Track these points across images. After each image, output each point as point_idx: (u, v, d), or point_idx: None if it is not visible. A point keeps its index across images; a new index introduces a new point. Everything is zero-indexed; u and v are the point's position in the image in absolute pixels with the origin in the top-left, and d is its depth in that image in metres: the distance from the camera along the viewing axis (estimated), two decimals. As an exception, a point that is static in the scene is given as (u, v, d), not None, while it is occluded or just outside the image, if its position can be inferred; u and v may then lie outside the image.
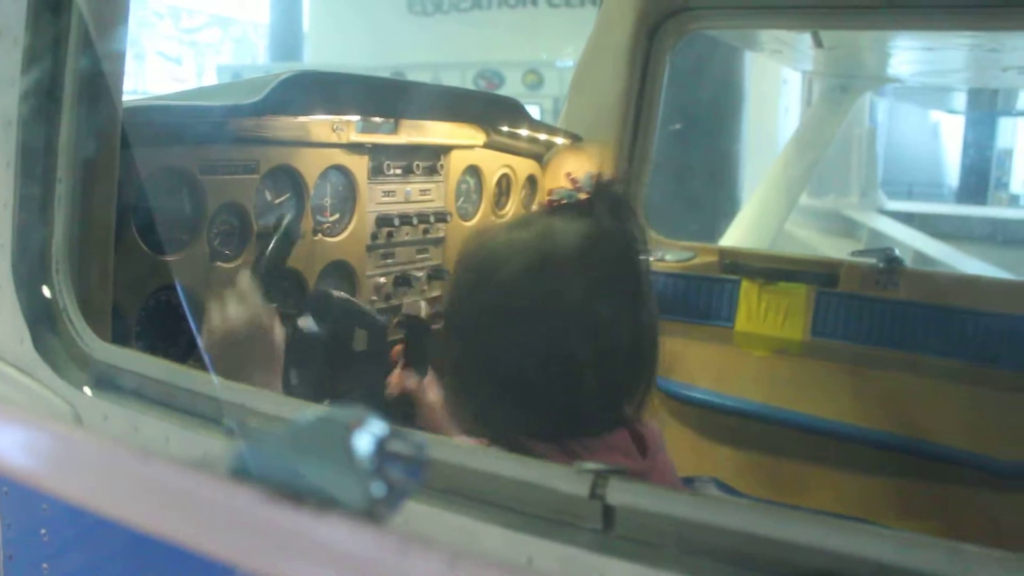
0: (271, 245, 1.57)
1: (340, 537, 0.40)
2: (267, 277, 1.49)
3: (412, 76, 11.17)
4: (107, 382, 1.01)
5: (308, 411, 0.46)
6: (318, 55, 13.78)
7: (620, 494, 0.71)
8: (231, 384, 0.90)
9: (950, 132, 18.43)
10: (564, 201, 1.23)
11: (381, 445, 0.43)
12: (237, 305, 1.41)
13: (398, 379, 1.75)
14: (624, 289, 1.19)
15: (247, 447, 0.44)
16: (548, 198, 1.24)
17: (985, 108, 14.50)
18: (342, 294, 1.66)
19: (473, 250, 1.22)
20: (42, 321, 1.05)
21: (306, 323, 1.57)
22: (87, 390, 1.01)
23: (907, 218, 10.12)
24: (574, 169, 2.53)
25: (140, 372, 0.99)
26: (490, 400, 1.16)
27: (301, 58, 13.99)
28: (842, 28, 2.52)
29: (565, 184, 1.27)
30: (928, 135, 18.32)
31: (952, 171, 18.37)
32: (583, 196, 1.23)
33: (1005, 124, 17.85)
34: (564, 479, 0.72)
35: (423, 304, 1.98)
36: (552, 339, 1.13)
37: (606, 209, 1.20)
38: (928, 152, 18.10)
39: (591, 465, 0.72)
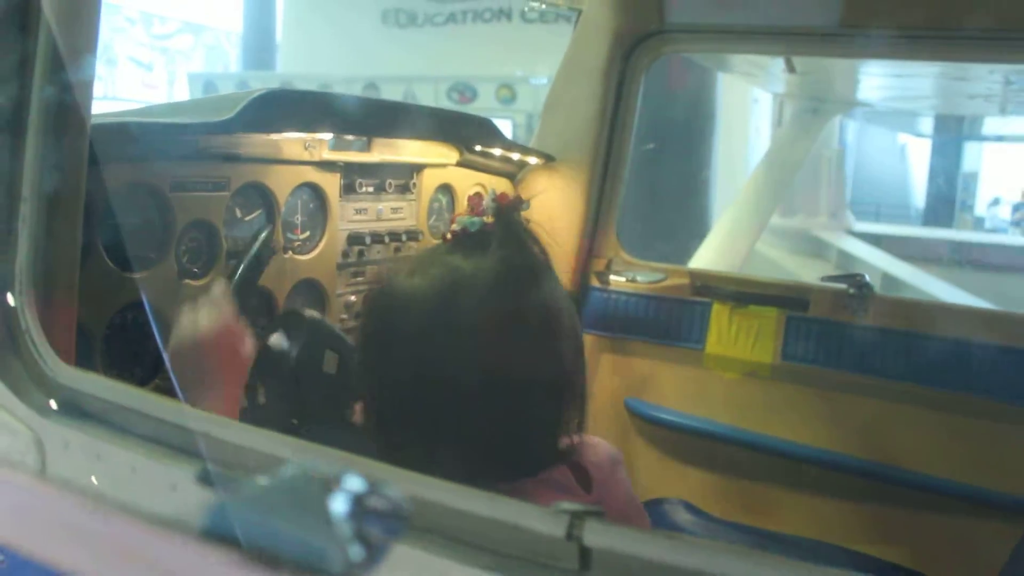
0: (243, 263, 1.54)
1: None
2: (237, 295, 1.45)
3: (385, 88, 11.17)
4: (70, 407, 0.98)
5: (285, 463, 0.44)
6: (291, 65, 13.73)
7: (597, 536, 0.69)
8: (201, 413, 0.87)
9: (917, 155, 18.71)
10: (463, 229, 1.16)
11: (360, 502, 0.41)
12: (207, 311, 1.37)
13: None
14: (536, 322, 1.13)
15: (220, 505, 0.42)
16: (452, 227, 1.18)
17: (951, 132, 14.73)
18: (314, 314, 1.63)
19: (376, 300, 1.16)
20: (3, 343, 1.02)
21: (277, 340, 1.53)
22: (49, 415, 0.98)
23: (875, 240, 10.23)
24: (548, 187, 2.54)
25: (105, 398, 0.96)
26: (412, 455, 1.09)
27: (274, 67, 13.94)
28: (814, 55, 2.54)
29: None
30: (895, 157, 18.58)
31: (918, 193, 18.64)
32: (488, 220, 1.16)
33: (970, 148, 18.15)
34: (539, 519, 0.70)
35: None
36: (464, 389, 1.08)
37: (509, 237, 1.14)
38: (895, 174, 18.35)
39: (568, 505, 0.71)
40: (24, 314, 1.03)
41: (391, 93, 11.28)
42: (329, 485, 0.41)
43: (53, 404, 0.99)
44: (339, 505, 0.40)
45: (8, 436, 0.98)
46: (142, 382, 1.51)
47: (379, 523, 0.42)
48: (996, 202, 18.57)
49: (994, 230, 17.32)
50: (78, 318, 1.18)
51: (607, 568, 0.69)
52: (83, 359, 1.23)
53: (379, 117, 1.94)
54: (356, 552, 0.40)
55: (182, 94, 15.44)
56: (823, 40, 2.26)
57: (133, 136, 1.38)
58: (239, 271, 1.55)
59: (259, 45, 14.28)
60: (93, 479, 0.90)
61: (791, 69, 2.74)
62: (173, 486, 0.84)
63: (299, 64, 13.46)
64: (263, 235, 1.59)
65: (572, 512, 0.70)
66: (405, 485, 0.71)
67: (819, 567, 0.68)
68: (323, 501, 0.40)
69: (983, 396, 2.09)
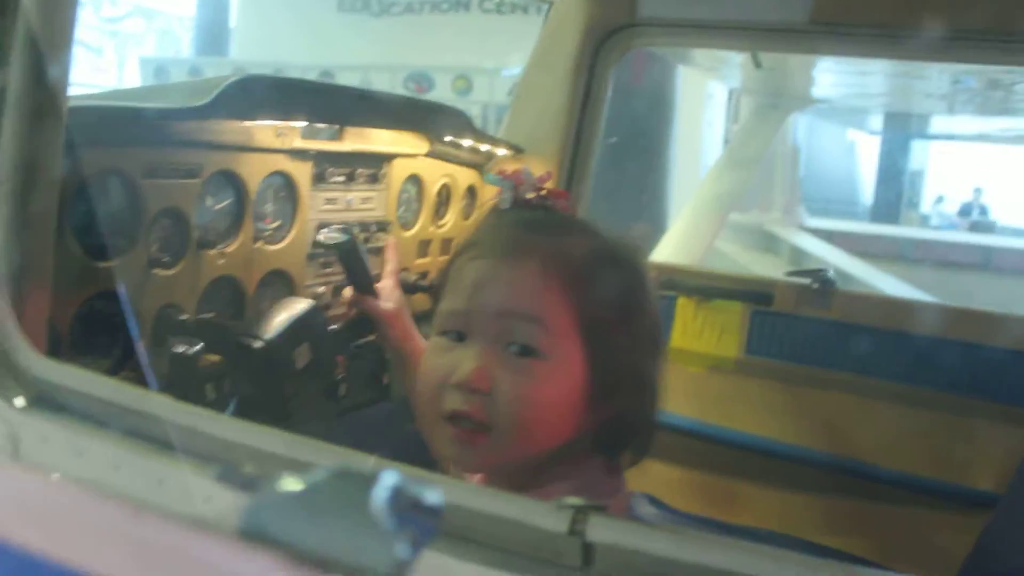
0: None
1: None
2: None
3: (341, 76, 11.07)
4: (46, 401, 0.95)
5: (321, 464, 0.43)
6: (245, 51, 13.53)
7: (600, 531, 0.69)
8: (186, 407, 0.86)
9: (866, 152, 19.03)
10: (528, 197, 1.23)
11: (398, 497, 0.40)
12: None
13: (350, 300, 1.73)
14: None
15: (262, 504, 0.41)
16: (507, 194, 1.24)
17: (899, 130, 15.00)
18: (265, 337, 1.55)
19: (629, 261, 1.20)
20: (-25, 333, 0.99)
21: (330, 234, 1.60)
22: (24, 409, 0.95)
23: (826, 235, 10.38)
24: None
25: (84, 391, 0.93)
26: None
27: (227, 53, 13.73)
28: (785, 51, 2.56)
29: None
30: (845, 154, 18.87)
31: (867, 190, 18.97)
32: (530, 196, 1.23)
33: (917, 147, 18.51)
34: (541, 515, 0.70)
35: (335, 230, 1.86)
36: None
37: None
38: (844, 171, 18.64)
39: (570, 500, 0.71)
40: (-3, 304, 1.00)
41: (347, 82, 11.18)
42: (371, 480, 0.40)
43: (28, 398, 0.96)
44: (381, 498, 0.39)
45: (-19, 429, 0.95)
46: (110, 373, 1.48)
47: (419, 517, 0.41)
48: (940, 200, 19.03)
49: (938, 227, 17.73)
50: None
51: (611, 563, 0.69)
52: (50, 349, 1.20)
53: (353, 105, 1.91)
54: (404, 550, 0.39)
55: (133, 79, 15.17)
56: (794, 36, 2.28)
57: (107, 121, 1.35)
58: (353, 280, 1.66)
59: (212, 30, 14.05)
60: (74, 474, 0.87)
61: (757, 64, 2.76)
62: (160, 481, 0.82)
63: (253, 50, 13.27)
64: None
65: (575, 507, 0.70)
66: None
67: (823, 561, 0.69)
68: (367, 497, 0.39)
69: (944, 390, 2.14)
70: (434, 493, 0.42)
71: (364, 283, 1.70)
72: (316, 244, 1.85)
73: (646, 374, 1.17)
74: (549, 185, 1.26)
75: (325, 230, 1.82)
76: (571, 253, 1.13)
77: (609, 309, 1.13)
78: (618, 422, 1.16)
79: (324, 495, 0.40)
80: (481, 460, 1.16)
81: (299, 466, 0.67)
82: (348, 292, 1.75)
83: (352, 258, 1.68)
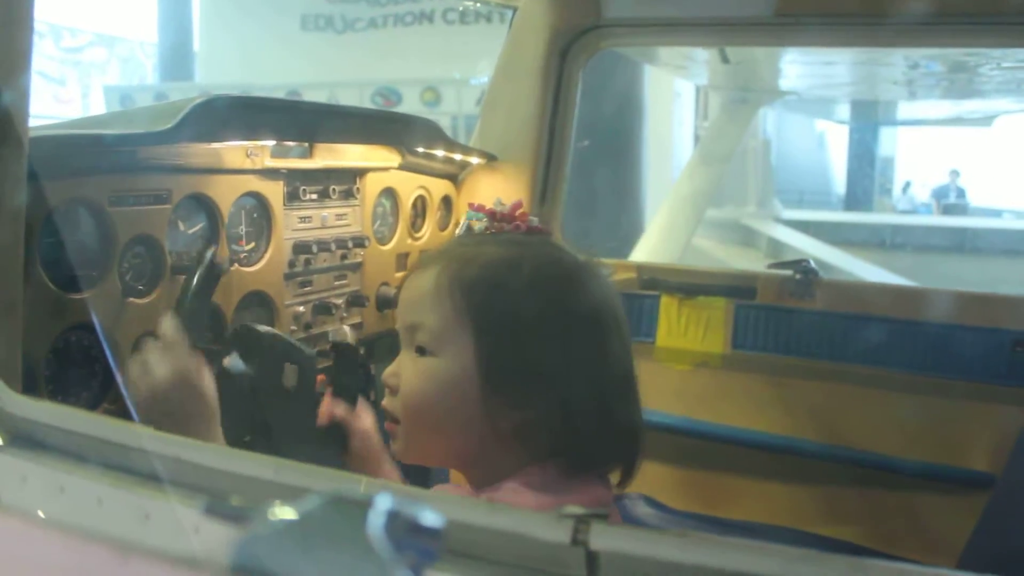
0: (190, 290, 1.46)
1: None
2: (187, 313, 1.40)
3: (308, 95, 11.04)
4: (24, 439, 0.92)
5: (310, 488, 0.41)
6: (210, 74, 13.48)
7: (603, 539, 0.67)
8: (169, 436, 0.83)
9: (835, 141, 19.16)
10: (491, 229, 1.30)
11: (395, 521, 0.38)
12: (161, 355, 1.33)
13: (327, 408, 1.62)
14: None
15: (253, 538, 0.38)
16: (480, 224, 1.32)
17: (867, 118, 15.10)
18: (268, 328, 1.57)
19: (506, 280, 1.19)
20: (-53, 374, 0.96)
21: (231, 362, 1.47)
22: (1, 448, 0.92)
23: (802, 226, 10.42)
24: (490, 188, 2.51)
25: (62, 427, 0.90)
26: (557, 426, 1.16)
27: (192, 77, 13.67)
28: (751, 44, 2.56)
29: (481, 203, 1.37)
30: (815, 145, 18.99)
31: (839, 179, 19.10)
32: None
33: (885, 134, 18.66)
34: (543, 526, 0.68)
35: (348, 330, 1.89)
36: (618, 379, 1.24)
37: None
38: (816, 161, 18.76)
39: (571, 509, 0.69)
40: (-33, 342, 0.97)
41: (314, 100, 11.16)
42: (366, 505, 0.38)
43: (4, 436, 0.94)
44: (378, 525, 0.37)
45: (-43, 472, 0.92)
46: (89, 407, 1.45)
47: (419, 539, 0.39)
48: (907, 186, 19.19)
49: (911, 211, 17.87)
50: (20, 343, 1.11)
51: (615, 571, 0.67)
52: (25, 386, 1.17)
53: (322, 121, 1.89)
54: (406, 577, 0.37)
55: (98, 108, 15.07)
56: (760, 29, 2.27)
57: (71, 149, 1.32)
58: (187, 299, 1.47)
59: (176, 55, 13.97)
60: (56, 512, 0.85)
61: (725, 60, 2.76)
62: (146, 516, 0.80)
63: (218, 73, 13.22)
64: (208, 255, 1.51)
65: (576, 516, 0.68)
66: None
67: (829, 555, 0.67)
68: (364, 524, 0.37)
69: (931, 374, 2.13)
70: (432, 514, 0.40)
71: (351, 393, 1.61)
72: (334, 345, 1.82)
73: (569, 380, 1.16)
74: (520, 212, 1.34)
75: (337, 339, 1.82)
76: (473, 262, 1.20)
77: (509, 314, 1.17)
78: (540, 425, 1.15)
79: (317, 525, 0.38)
80: (398, 449, 1.25)
81: (288, 492, 0.64)
82: (327, 402, 1.61)
83: (351, 366, 1.64)
